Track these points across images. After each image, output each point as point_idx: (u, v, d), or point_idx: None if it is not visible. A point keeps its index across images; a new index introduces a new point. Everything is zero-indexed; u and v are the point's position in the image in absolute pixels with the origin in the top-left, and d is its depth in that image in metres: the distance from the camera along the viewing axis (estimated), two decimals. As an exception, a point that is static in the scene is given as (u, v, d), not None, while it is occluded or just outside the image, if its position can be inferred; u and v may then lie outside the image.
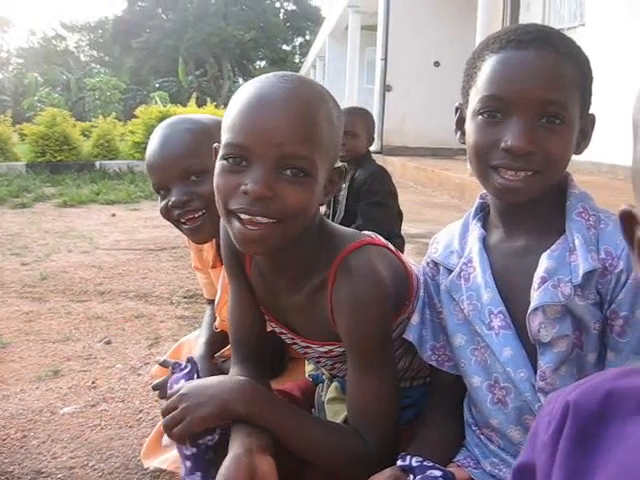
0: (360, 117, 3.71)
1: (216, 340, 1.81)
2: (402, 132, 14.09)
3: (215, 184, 1.16)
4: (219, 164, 1.15)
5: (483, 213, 1.27)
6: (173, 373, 1.41)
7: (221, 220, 1.30)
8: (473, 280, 1.19)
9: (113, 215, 8.36)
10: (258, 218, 1.11)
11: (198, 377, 1.38)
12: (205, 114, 1.82)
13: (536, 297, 1.09)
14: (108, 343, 3.63)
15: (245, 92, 1.15)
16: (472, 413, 1.26)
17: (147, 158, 1.67)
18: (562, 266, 1.08)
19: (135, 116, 14.24)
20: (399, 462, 1.13)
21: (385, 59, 14.04)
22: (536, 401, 1.12)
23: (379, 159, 13.18)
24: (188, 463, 1.27)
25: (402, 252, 1.45)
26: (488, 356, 1.18)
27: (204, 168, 1.58)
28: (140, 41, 45.29)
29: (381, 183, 3.63)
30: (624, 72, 7.45)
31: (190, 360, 1.42)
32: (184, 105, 16.92)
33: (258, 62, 53.37)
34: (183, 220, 1.64)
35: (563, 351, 1.09)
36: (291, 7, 53.27)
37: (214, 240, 1.75)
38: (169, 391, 1.31)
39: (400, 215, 3.75)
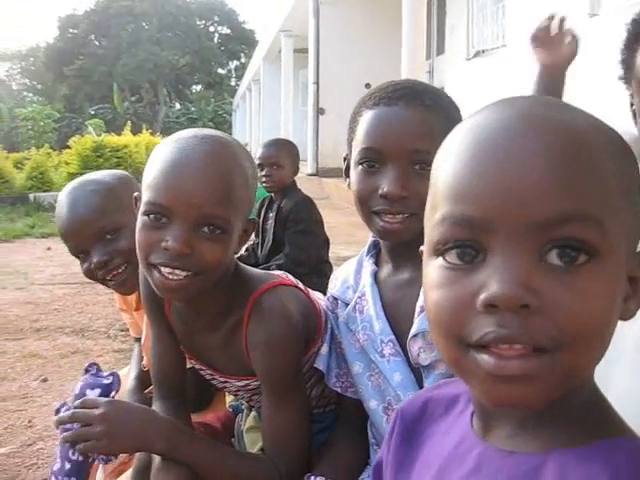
0: (284, 148, 3.83)
1: (146, 376, 1.87)
2: (336, 154, 14.09)
3: (137, 238, 1.23)
4: (140, 219, 1.22)
5: (376, 250, 1.38)
6: (87, 372, 1.42)
7: (140, 267, 1.40)
8: (366, 312, 1.30)
9: (48, 249, 8.27)
10: (177, 271, 1.19)
11: (116, 393, 1.41)
12: (108, 171, 1.87)
13: (415, 324, 1.20)
14: (44, 381, 3.64)
15: (165, 152, 1.22)
16: (373, 433, 1.37)
17: (59, 225, 1.70)
18: None
19: (69, 146, 14.10)
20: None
21: (317, 83, 14.22)
22: None
23: (315, 181, 13.33)
24: (67, 465, 1.34)
25: (329, 277, 1.54)
26: (382, 381, 1.28)
27: (117, 225, 1.65)
28: (73, 68, 44.64)
29: (306, 211, 3.75)
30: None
31: (114, 374, 1.44)
32: (119, 133, 16.80)
33: (194, 86, 53.22)
34: (108, 277, 1.68)
35: (443, 372, 1.19)
36: (225, 31, 53.29)
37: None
38: (77, 395, 1.34)
39: (327, 241, 3.87)
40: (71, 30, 48.55)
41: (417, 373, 1.24)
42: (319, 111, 14.18)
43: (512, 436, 0.65)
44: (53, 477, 1.37)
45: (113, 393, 1.37)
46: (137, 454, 1.43)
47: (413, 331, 1.20)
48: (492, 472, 0.64)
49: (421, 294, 1.21)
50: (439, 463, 0.72)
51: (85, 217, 1.65)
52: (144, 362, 1.84)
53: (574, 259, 0.57)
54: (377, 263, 1.36)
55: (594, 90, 4.49)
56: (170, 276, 1.19)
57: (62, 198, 1.70)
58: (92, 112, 39.25)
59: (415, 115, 1.20)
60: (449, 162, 0.64)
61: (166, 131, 32.94)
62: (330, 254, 3.96)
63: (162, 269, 1.19)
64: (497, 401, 0.60)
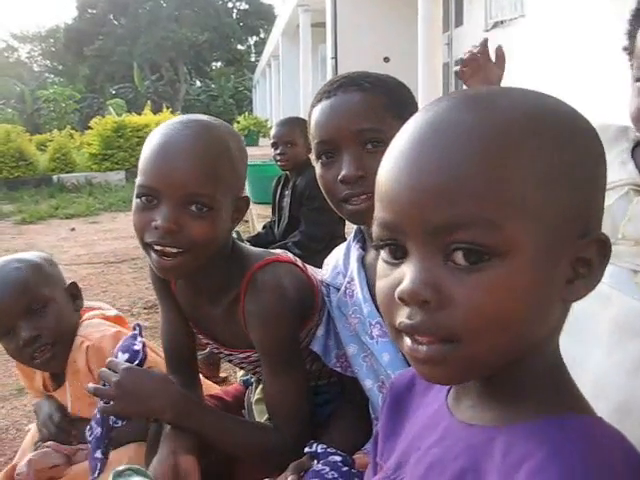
0: (297, 126, 3.86)
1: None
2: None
3: (132, 219, 1.31)
4: (134, 202, 1.31)
5: (362, 235, 1.42)
6: (134, 329, 1.49)
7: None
8: (356, 296, 1.35)
9: (72, 229, 8.42)
10: (168, 249, 1.26)
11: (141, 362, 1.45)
12: (32, 252, 1.87)
13: None
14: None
15: (154, 139, 1.31)
16: (373, 409, 1.42)
17: None
18: None
19: (90, 127, 14.21)
20: (306, 449, 1.29)
21: (335, 57, 14.15)
22: None
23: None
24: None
25: None
26: (374, 362, 1.34)
27: (44, 298, 1.70)
28: (93, 48, 44.78)
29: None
30: (562, 63, 7.68)
31: (144, 344, 1.47)
32: (140, 112, 16.87)
33: (214, 63, 53.08)
34: (36, 354, 1.69)
35: None
36: (244, 6, 53.01)
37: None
38: (112, 359, 1.41)
39: (342, 218, 3.90)
40: (90, 10, 48.66)
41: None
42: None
43: (472, 409, 0.71)
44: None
45: (137, 361, 1.41)
46: (151, 427, 1.51)
47: None
48: (452, 442, 0.70)
49: None
50: (415, 432, 0.78)
51: (10, 292, 1.67)
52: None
53: (479, 259, 0.61)
54: (364, 248, 1.41)
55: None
56: (164, 256, 1.27)
57: None
58: (113, 92, 39.38)
59: (353, 98, 1.26)
60: (381, 166, 0.69)
61: (187, 109, 33.04)
62: (346, 229, 4.00)
63: (156, 247, 1.27)
64: (420, 376, 0.67)
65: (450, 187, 0.61)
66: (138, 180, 1.30)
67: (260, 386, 1.66)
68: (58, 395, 1.82)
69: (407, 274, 0.63)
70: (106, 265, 6.12)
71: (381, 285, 0.68)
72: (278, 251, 1.52)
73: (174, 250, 1.26)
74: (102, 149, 13.40)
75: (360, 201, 1.25)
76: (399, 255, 0.66)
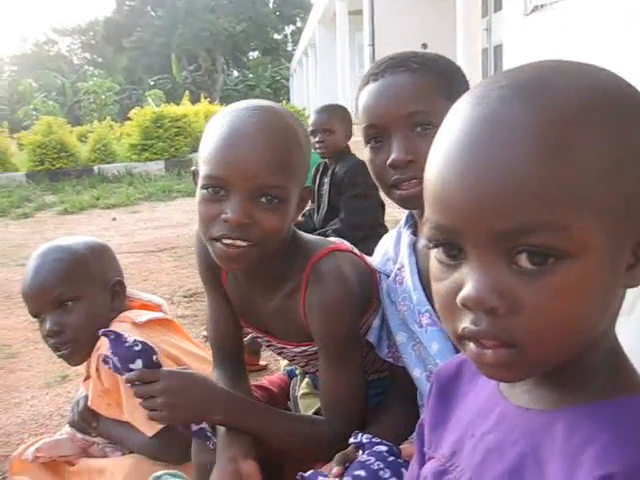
0: (336, 114, 3.84)
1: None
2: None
3: (198, 211, 1.26)
4: (199, 193, 1.26)
5: (413, 220, 1.39)
6: (119, 343, 1.40)
7: (196, 234, 1.44)
8: (405, 283, 1.33)
9: (114, 219, 8.49)
10: (238, 242, 1.22)
11: (156, 360, 1.40)
12: (84, 238, 1.84)
13: None
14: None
15: (219, 125, 1.25)
16: (421, 398, 1.40)
17: (22, 288, 1.72)
18: None
19: (130, 118, 14.34)
20: (351, 439, 1.26)
21: (373, 45, 14.08)
22: None
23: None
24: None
25: None
26: (422, 350, 1.31)
27: (76, 295, 1.67)
28: (132, 40, 45.24)
29: (361, 175, 3.74)
30: (603, 48, 7.51)
31: (137, 341, 1.42)
32: (178, 103, 16.97)
33: (251, 53, 53.16)
34: (57, 347, 1.70)
35: None
36: (280, -5, 53.05)
37: None
38: (120, 369, 1.38)
39: (382, 205, 3.87)
40: (128, 2, 49.18)
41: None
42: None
43: (529, 394, 0.69)
44: None
45: (155, 357, 1.38)
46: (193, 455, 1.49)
47: None
48: (509, 427, 0.68)
49: None
50: (468, 419, 0.76)
51: (44, 283, 1.67)
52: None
53: (544, 261, 0.58)
54: (415, 233, 1.37)
55: None
56: (231, 247, 1.22)
57: (29, 261, 1.73)
58: (152, 83, 39.77)
59: (401, 80, 1.22)
60: (429, 163, 0.66)
61: (225, 99, 33.15)
62: (387, 217, 3.97)
63: (223, 240, 1.22)
64: (486, 376, 0.66)
65: (511, 191, 0.57)
66: (204, 170, 1.24)
67: (306, 380, 1.64)
68: (86, 385, 1.82)
69: (469, 279, 0.61)
70: (146, 254, 6.16)
71: (439, 289, 0.65)
72: (334, 239, 1.50)
73: (244, 243, 1.22)
74: (141, 139, 13.49)
75: (410, 186, 1.22)
76: (455, 254, 0.64)
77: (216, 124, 1.27)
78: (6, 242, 7.47)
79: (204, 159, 1.25)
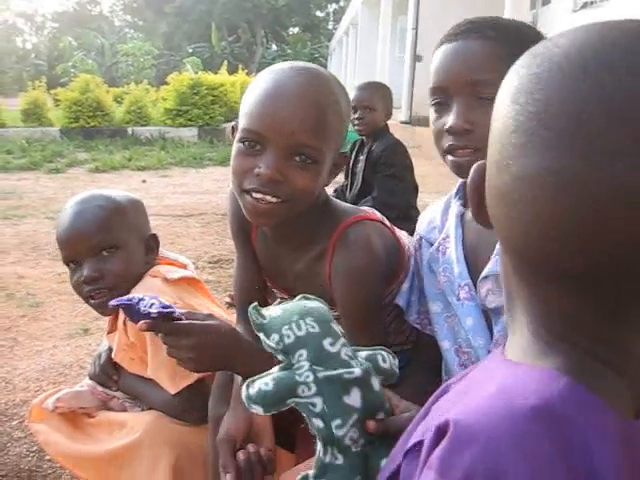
0: (378, 91, 3.81)
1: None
2: (431, 102, 13.98)
3: (232, 164, 1.28)
4: (236, 146, 1.28)
5: (464, 191, 1.36)
6: (135, 305, 1.29)
7: (230, 191, 1.45)
8: (448, 254, 1.31)
9: (144, 181, 8.53)
10: (268, 197, 1.23)
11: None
12: (123, 192, 1.84)
13: (489, 265, 1.20)
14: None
15: (262, 82, 1.27)
16: (446, 371, 1.38)
17: (57, 232, 1.70)
18: None
19: (167, 83, 14.37)
20: None
21: (416, 28, 13.92)
22: None
23: (408, 129, 13.16)
24: None
25: (416, 223, 1.54)
26: (455, 324, 1.30)
27: (115, 244, 1.65)
28: (173, 6, 45.13)
29: (397, 156, 3.73)
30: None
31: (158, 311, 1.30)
32: (216, 72, 16.97)
33: (291, 28, 52.93)
34: (92, 294, 1.67)
35: None
36: (325, -28, 52.65)
37: None
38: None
39: (416, 188, 3.85)
40: (173, -33, 48.93)
41: (489, 319, 1.24)
42: (416, 58, 13.91)
43: None
44: None
45: (174, 312, 1.27)
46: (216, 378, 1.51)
47: (485, 272, 1.21)
48: None
49: None
50: None
51: (85, 228, 1.66)
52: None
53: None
54: (465, 204, 1.35)
55: None
56: (261, 202, 1.24)
57: (67, 206, 1.71)
58: (190, 50, 39.75)
59: (472, 46, 1.18)
60: None
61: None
62: (418, 202, 3.95)
63: (254, 194, 1.24)
64: None
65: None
66: (242, 123, 1.26)
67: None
68: (110, 338, 1.82)
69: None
70: (174, 218, 6.18)
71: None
72: (366, 208, 1.49)
73: (274, 199, 1.24)
74: (177, 105, 13.52)
75: (464, 154, 1.19)
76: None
77: (260, 80, 1.28)
78: (36, 195, 7.54)
79: (244, 113, 1.27)
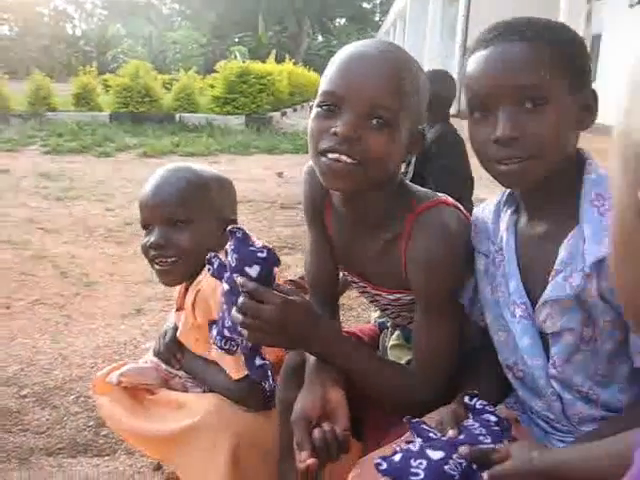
0: (437, 79, 3.77)
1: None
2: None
3: (309, 128, 1.28)
4: (314, 111, 1.28)
5: (514, 195, 1.29)
6: (232, 234, 1.29)
7: (304, 174, 1.45)
8: (503, 269, 1.25)
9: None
10: (343, 157, 1.22)
11: (275, 274, 1.32)
12: (216, 171, 1.83)
13: (548, 290, 1.15)
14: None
15: (343, 52, 1.29)
16: None
17: (141, 195, 1.74)
18: (576, 256, 1.11)
19: (215, 71, 14.42)
20: (466, 399, 1.20)
21: (467, 16, 13.76)
22: (548, 387, 1.20)
23: (455, 122, 12.98)
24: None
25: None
26: (510, 340, 1.25)
27: (189, 218, 1.66)
28: (221, -5, 45.47)
29: (450, 145, 3.67)
30: None
31: (267, 248, 1.30)
32: (263, 60, 17.00)
33: (338, 19, 52.86)
34: (156, 261, 1.69)
35: (570, 343, 1.15)
36: (373, -36, 52.40)
37: (184, 284, 1.78)
38: (234, 267, 1.28)
39: (471, 181, 3.77)
40: (222, -44, 49.15)
41: (545, 339, 1.20)
42: (466, 49, 13.77)
43: None
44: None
45: (275, 270, 1.29)
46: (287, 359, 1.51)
47: (544, 298, 1.15)
48: None
49: (559, 254, 1.14)
50: None
51: (165, 197, 1.68)
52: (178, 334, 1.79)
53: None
54: (517, 211, 1.28)
55: None
56: (336, 162, 1.23)
57: (156, 173, 1.74)
58: (236, 39, 39.90)
59: (512, 49, 1.12)
60: None
61: (307, 62, 33.06)
62: (474, 197, 3.87)
63: (329, 155, 1.23)
64: None
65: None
66: (322, 87, 1.27)
67: (397, 332, 1.62)
68: (177, 316, 1.82)
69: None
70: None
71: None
72: (440, 194, 1.46)
73: (348, 160, 1.23)
74: (225, 93, 13.58)
75: (512, 164, 1.13)
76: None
77: (341, 52, 1.30)
78: (87, 177, 7.66)
79: (324, 79, 1.28)
